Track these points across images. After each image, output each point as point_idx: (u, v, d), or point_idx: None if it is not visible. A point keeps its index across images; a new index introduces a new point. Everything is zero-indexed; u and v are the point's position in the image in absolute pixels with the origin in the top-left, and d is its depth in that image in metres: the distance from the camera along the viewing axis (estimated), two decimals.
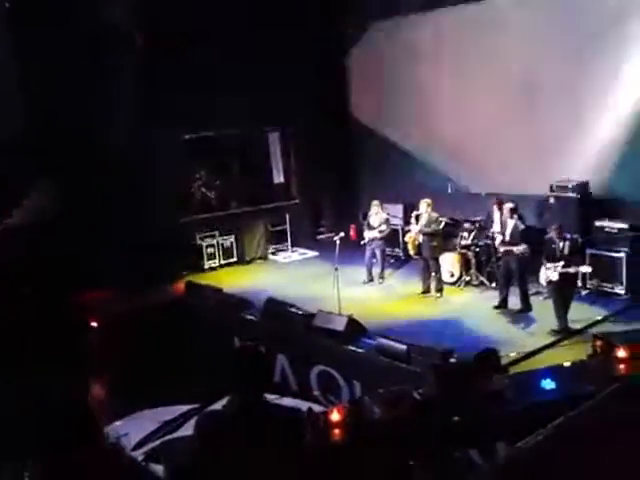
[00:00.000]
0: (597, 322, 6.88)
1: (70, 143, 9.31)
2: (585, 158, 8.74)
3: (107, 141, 9.83)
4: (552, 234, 7.42)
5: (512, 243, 7.96)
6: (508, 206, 8.22)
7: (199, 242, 11.37)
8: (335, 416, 4.08)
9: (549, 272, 7.30)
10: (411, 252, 9.44)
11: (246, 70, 10.91)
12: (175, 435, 4.57)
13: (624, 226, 8.08)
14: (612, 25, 8.30)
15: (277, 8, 10.95)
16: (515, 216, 8.14)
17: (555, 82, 9.01)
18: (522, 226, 8.12)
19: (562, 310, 7.27)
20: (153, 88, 9.99)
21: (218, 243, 11.50)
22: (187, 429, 4.29)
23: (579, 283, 8.25)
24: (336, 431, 4.04)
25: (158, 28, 8.48)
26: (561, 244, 7.30)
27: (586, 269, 7.49)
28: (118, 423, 5.18)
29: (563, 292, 7.32)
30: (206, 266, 11.35)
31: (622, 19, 8.20)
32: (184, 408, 5.68)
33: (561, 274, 7.20)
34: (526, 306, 8.04)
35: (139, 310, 9.02)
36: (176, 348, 8.46)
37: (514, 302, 8.19)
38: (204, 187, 11.98)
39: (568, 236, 7.42)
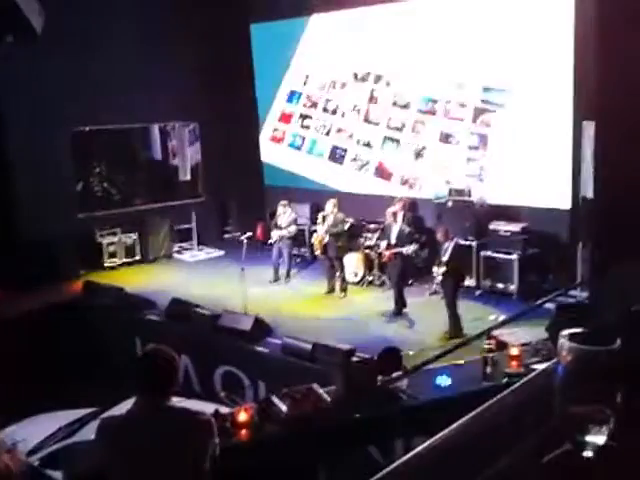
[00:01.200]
0: (501, 324, 7.29)
1: None
2: (481, 164, 9.30)
3: None
4: (439, 237, 7.84)
5: (399, 246, 8.24)
6: (390, 210, 8.49)
7: (99, 239, 10.86)
8: (242, 416, 4.07)
9: (435, 274, 7.75)
10: (317, 252, 9.61)
11: (154, 65, 10.63)
12: (73, 440, 4.36)
13: (516, 229, 8.63)
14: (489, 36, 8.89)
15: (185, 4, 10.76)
16: (399, 219, 8.45)
17: (453, 92, 9.49)
18: (408, 229, 8.41)
19: (450, 310, 7.66)
20: (45, 79, 9.47)
21: (120, 241, 11.05)
22: (86, 433, 4.11)
23: (472, 284, 8.82)
24: (243, 431, 4.03)
25: (55, 15, 8.01)
26: (446, 246, 7.73)
27: (435, 272, 7.74)
28: (12, 428, 4.85)
29: (448, 292, 7.73)
30: (106, 265, 10.87)
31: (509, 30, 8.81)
32: (82, 412, 5.42)
33: (444, 275, 7.64)
34: (399, 309, 8.29)
35: (34, 310, 8.50)
36: (73, 350, 8.06)
37: (412, 302, 8.54)
38: (105, 182, 11.47)
39: (455, 239, 7.86)
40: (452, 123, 8.57)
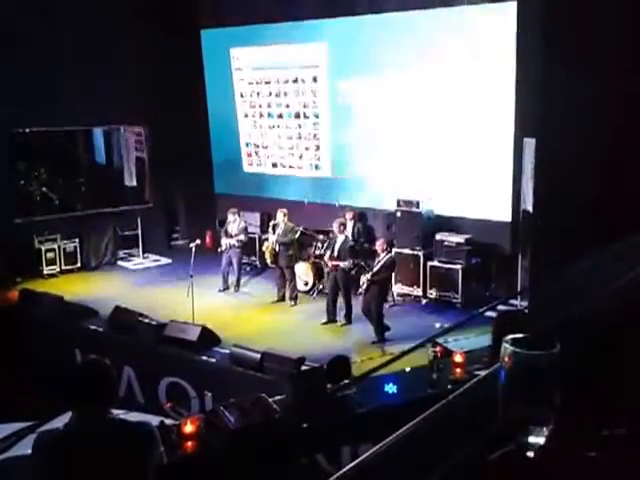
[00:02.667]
0: (446, 331, 7.46)
1: None
2: (430, 178, 9.55)
3: None
4: (377, 247, 7.99)
5: (339, 258, 8.31)
6: (338, 221, 8.55)
7: (38, 246, 10.44)
8: (189, 428, 4.00)
9: (362, 282, 7.88)
10: (268, 261, 9.57)
11: (99, 66, 10.38)
12: (8, 455, 4.16)
13: (461, 240, 8.86)
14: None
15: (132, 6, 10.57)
16: (349, 230, 8.55)
17: (400, 110, 9.76)
18: (351, 242, 8.53)
19: (374, 318, 7.77)
20: None
21: (59, 247, 10.63)
22: (21, 448, 3.93)
23: (418, 293, 8.99)
24: (189, 443, 3.96)
25: None
26: (380, 257, 7.89)
27: (363, 279, 7.90)
28: None
29: (373, 302, 7.86)
30: (45, 272, 10.46)
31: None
32: (17, 425, 5.18)
33: (369, 283, 7.79)
34: (348, 320, 8.35)
35: None
36: (8, 362, 7.70)
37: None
38: (45, 186, 11.06)
39: (390, 253, 8.02)
40: None
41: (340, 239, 8.41)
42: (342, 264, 8.24)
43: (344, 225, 8.58)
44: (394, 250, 9.06)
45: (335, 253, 8.35)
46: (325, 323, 8.40)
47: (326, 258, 8.55)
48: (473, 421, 0.95)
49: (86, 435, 2.48)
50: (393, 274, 8.55)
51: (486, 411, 0.89)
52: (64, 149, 11.25)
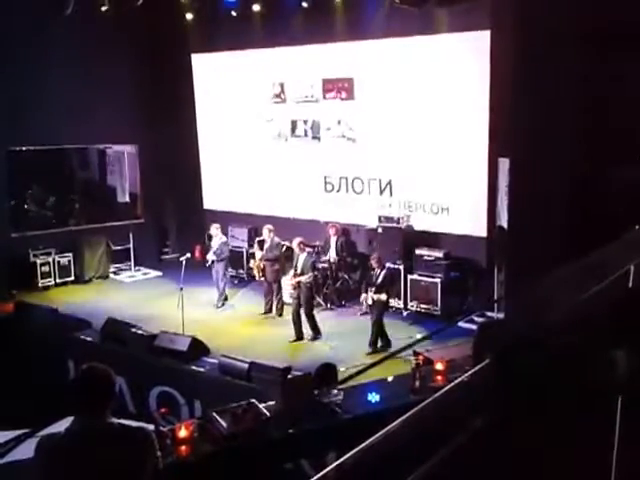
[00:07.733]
0: (421, 339, 7.77)
1: None
2: (404, 196, 9.92)
3: None
4: (372, 263, 8.27)
5: (302, 275, 8.57)
6: (298, 240, 8.81)
7: (33, 259, 10.67)
8: (182, 432, 4.21)
9: (367, 297, 8.13)
10: (256, 276, 9.87)
11: (93, 86, 10.64)
12: (6, 460, 4.34)
13: (439, 255, 9.21)
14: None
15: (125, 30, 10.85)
16: (306, 249, 8.85)
17: (380, 132, 10.15)
18: (312, 259, 8.86)
19: (376, 328, 8.08)
20: None
21: (54, 261, 10.88)
22: (20, 453, 4.13)
23: (399, 305, 9.32)
24: (183, 447, 4.16)
25: None
26: (378, 272, 8.17)
27: (383, 297, 8.10)
28: None
29: (377, 313, 8.13)
30: (40, 285, 10.68)
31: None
32: (14, 432, 5.36)
33: (373, 299, 8.05)
34: (316, 333, 8.57)
35: None
36: (3, 370, 7.89)
37: (345, 321, 8.88)
38: (41, 202, 11.31)
39: (388, 266, 8.29)
40: None
41: (302, 257, 8.69)
42: (303, 278, 8.52)
43: (302, 244, 8.87)
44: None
45: (298, 270, 8.62)
46: (294, 341, 8.53)
47: (289, 276, 8.80)
48: (448, 423, 1.08)
49: (88, 438, 2.58)
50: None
51: (458, 415, 1.04)
52: (60, 167, 11.52)
